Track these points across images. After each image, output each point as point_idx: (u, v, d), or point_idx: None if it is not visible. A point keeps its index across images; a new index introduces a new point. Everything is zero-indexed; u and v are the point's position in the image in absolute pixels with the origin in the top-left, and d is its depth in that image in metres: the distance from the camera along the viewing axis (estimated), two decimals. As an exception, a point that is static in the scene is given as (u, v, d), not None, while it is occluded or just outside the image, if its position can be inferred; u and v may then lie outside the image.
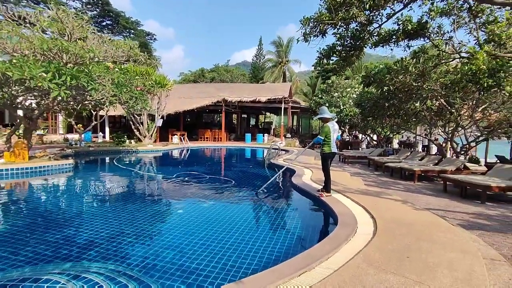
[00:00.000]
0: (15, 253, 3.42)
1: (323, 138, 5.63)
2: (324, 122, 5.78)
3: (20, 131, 10.99)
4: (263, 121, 41.77)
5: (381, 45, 9.85)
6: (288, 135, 25.27)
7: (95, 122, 14.88)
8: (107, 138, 19.98)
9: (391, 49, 10.16)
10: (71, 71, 7.60)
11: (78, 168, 10.07)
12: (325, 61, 9.86)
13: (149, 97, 14.11)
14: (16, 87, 7.87)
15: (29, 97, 9.35)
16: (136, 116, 17.09)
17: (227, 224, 4.59)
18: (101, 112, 16.35)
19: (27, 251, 3.46)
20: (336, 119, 5.93)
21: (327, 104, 22.84)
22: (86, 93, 8.19)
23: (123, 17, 45.57)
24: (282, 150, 16.16)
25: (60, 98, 7.34)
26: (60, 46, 7.58)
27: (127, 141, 16.55)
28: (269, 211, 5.61)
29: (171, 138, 20.19)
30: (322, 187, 6.02)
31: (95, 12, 42.19)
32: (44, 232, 4.13)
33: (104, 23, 44.40)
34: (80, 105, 11.28)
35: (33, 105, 9.91)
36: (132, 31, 46.31)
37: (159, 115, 17.39)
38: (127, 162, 12.53)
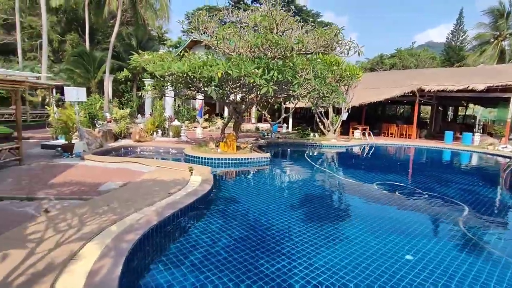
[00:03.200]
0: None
1: None
2: None
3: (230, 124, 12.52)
4: (461, 113, 32.76)
5: None
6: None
7: (285, 115, 15.40)
8: (290, 129, 20.82)
9: None
10: (277, 66, 7.37)
11: (273, 162, 10.26)
12: None
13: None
14: (232, 84, 8.50)
15: (238, 93, 10.21)
16: (320, 108, 16.56)
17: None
18: (287, 104, 16.87)
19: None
20: None
21: None
22: (290, 88, 7.85)
23: (305, 11, 47.30)
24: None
25: (268, 94, 7.24)
26: (271, 40, 7.48)
27: (311, 134, 16.36)
28: None
29: (352, 132, 18.63)
30: None
31: (282, 10, 45.91)
32: (253, 255, 3.60)
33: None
34: (273, 98, 11.58)
35: (239, 99, 10.88)
36: (312, 23, 47.36)
37: (345, 108, 16.13)
38: (319, 158, 12.11)
